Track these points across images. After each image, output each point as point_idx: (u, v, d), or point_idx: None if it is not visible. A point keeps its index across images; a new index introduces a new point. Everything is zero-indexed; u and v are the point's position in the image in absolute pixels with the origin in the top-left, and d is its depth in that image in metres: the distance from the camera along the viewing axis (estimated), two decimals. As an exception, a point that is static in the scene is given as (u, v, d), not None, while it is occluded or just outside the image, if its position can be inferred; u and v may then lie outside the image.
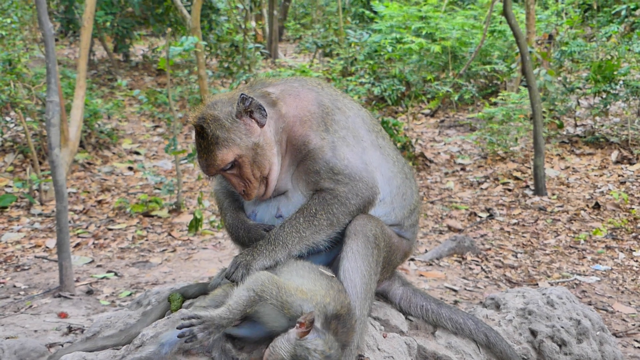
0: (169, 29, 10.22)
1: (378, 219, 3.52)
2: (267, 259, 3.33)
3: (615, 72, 12.55)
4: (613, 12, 16.56)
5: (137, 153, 13.89)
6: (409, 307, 3.88)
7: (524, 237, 9.62)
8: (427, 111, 16.08)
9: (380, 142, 3.76)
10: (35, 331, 6.46)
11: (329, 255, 3.54)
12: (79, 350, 3.37)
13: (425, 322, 3.88)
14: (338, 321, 3.07)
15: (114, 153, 13.67)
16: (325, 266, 3.42)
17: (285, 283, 3.08)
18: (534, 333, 4.20)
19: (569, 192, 11.16)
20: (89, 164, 13.02)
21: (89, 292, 7.79)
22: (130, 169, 13.04)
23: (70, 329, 6.38)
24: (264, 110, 3.45)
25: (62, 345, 5.30)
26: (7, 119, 13.01)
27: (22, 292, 7.94)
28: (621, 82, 12.70)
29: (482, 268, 8.61)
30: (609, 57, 13.27)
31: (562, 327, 4.17)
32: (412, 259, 8.80)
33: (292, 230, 3.35)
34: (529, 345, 4.16)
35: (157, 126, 15.50)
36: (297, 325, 2.98)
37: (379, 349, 3.33)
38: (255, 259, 3.30)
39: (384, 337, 3.48)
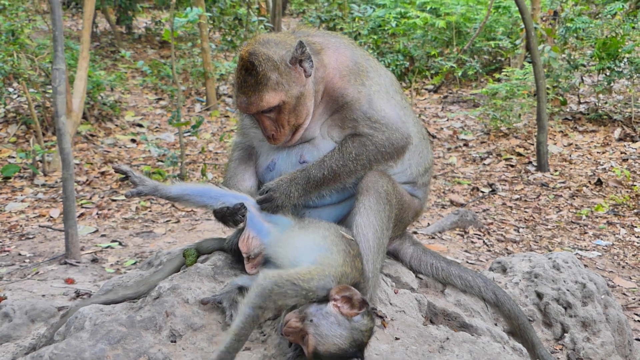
0: (173, 0, 10.17)
1: (390, 176, 3.57)
2: (299, 198, 3.41)
3: (619, 50, 12.53)
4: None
5: (140, 125, 13.88)
6: (419, 266, 3.95)
7: (526, 212, 9.67)
8: (430, 87, 16.05)
9: (404, 103, 3.85)
10: (43, 296, 6.50)
11: (342, 211, 3.59)
12: (97, 303, 3.42)
13: (435, 280, 3.94)
14: (356, 288, 3.01)
15: (116, 125, 13.66)
16: (341, 225, 3.44)
17: (297, 272, 2.89)
18: (539, 295, 4.26)
19: (571, 169, 11.19)
20: (92, 135, 13.01)
21: (94, 260, 7.83)
22: (133, 141, 13.04)
23: (78, 294, 6.43)
24: (312, 61, 3.48)
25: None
26: (10, 89, 12.96)
27: (27, 260, 7.98)
28: (625, 59, 12.68)
29: (484, 242, 8.65)
30: (614, 35, 13.22)
31: (568, 290, 4.23)
32: (415, 232, 8.85)
33: (329, 172, 3.40)
34: (535, 307, 4.22)
35: (160, 99, 15.47)
36: (333, 302, 2.85)
37: (390, 304, 3.39)
38: (290, 198, 3.37)
39: (396, 292, 3.54)
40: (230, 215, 3.41)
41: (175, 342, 3.02)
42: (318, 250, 3.06)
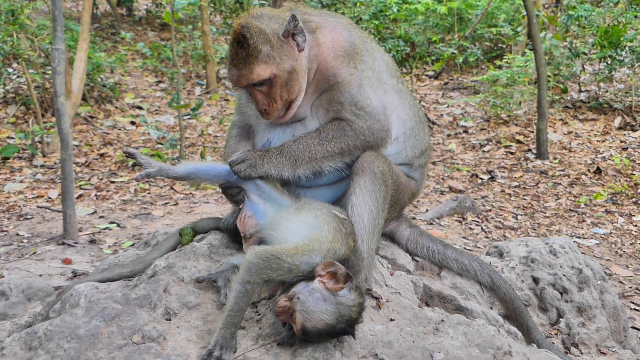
0: (174, -18, 10.11)
1: (386, 157, 3.56)
2: (273, 168, 3.38)
3: (621, 38, 12.48)
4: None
5: (140, 108, 13.84)
6: (416, 248, 3.95)
7: (524, 199, 9.67)
8: (431, 73, 16.01)
9: (400, 86, 3.82)
10: (40, 275, 6.51)
11: (337, 192, 3.59)
12: (93, 280, 3.42)
13: (431, 263, 3.94)
14: (346, 265, 3.04)
15: (116, 107, 13.63)
16: (337, 206, 3.45)
17: (283, 247, 2.97)
18: (536, 280, 4.26)
19: (570, 157, 11.19)
20: (91, 117, 12.99)
21: (92, 242, 7.83)
22: (133, 123, 13.02)
23: (75, 274, 6.44)
24: (305, 35, 3.45)
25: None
26: (10, 70, 12.92)
27: (25, 240, 7.99)
28: (627, 48, 12.63)
29: (482, 228, 8.66)
30: (616, 23, 13.16)
31: (564, 275, 4.24)
32: (413, 218, 8.85)
33: (305, 149, 3.39)
34: (531, 292, 4.23)
35: (159, 81, 15.43)
36: (318, 278, 2.88)
37: (386, 285, 3.40)
38: (264, 164, 3.35)
39: (391, 274, 3.54)
40: (230, 196, 3.45)
41: (170, 320, 3.03)
42: (308, 228, 3.08)
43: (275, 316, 2.89)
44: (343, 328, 2.82)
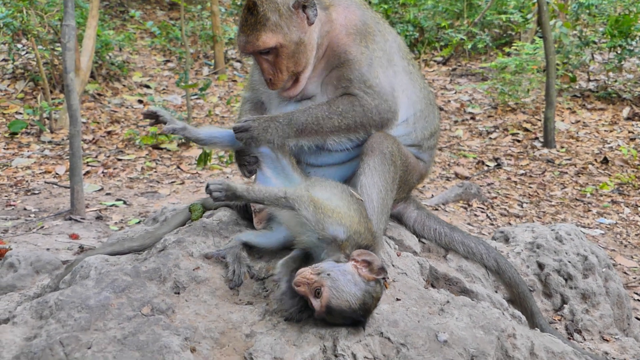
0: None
1: (395, 138, 3.58)
2: (278, 138, 3.40)
3: (632, 28, 12.41)
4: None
5: (148, 87, 13.84)
6: (423, 230, 3.97)
7: (530, 187, 9.67)
8: (439, 58, 15.96)
9: (411, 68, 3.84)
10: (48, 249, 6.55)
11: (347, 171, 3.61)
12: (103, 253, 3.45)
13: (438, 246, 3.97)
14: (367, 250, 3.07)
15: (124, 85, 13.63)
16: (349, 185, 3.46)
17: (324, 202, 3.02)
18: (541, 266, 4.28)
19: (578, 146, 11.16)
20: (99, 95, 13.00)
21: (99, 218, 7.87)
22: (140, 101, 13.02)
23: (82, 249, 6.48)
24: (316, 9, 3.46)
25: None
26: (19, 46, 12.93)
27: (32, 215, 8.03)
28: (637, 38, 12.58)
29: (487, 215, 8.67)
30: (627, 12, 13.09)
31: (569, 262, 4.26)
32: (419, 203, 8.84)
33: (313, 121, 3.40)
34: (536, 278, 4.26)
35: (167, 60, 15.41)
36: (352, 262, 2.92)
37: (393, 265, 3.42)
38: (267, 134, 3.37)
39: (398, 255, 3.57)
40: (246, 164, 3.52)
41: (178, 293, 3.06)
42: (337, 204, 3.09)
43: (294, 285, 2.90)
44: (360, 316, 2.86)
